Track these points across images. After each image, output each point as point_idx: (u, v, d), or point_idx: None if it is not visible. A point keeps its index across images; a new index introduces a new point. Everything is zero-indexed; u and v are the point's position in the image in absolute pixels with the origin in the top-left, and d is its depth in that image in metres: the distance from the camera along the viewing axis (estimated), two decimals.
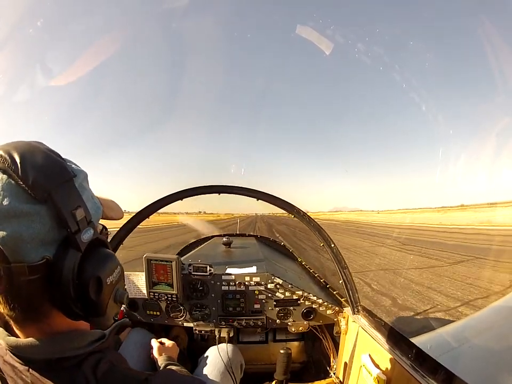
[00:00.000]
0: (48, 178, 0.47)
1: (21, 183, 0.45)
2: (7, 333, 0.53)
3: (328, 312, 1.69)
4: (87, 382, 0.51)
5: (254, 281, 1.68)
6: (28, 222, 0.45)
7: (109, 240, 0.67)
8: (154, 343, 1.40)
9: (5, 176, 0.45)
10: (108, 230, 0.63)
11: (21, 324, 0.52)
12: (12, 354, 0.51)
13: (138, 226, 1.79)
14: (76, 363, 0.52)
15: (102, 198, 0.67)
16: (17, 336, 0.53)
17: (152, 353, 1.37)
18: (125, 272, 1.84)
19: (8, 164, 0.45)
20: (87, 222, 0.52)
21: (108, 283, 0.54)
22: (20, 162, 0.45)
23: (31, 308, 0.49)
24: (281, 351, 1.46)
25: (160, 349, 1.36)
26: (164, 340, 1.46)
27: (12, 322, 0.52)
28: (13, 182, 0.45)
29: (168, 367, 1.20)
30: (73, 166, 0.55)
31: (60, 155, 0.54)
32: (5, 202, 0.44)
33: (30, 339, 0.51)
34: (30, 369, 0.50)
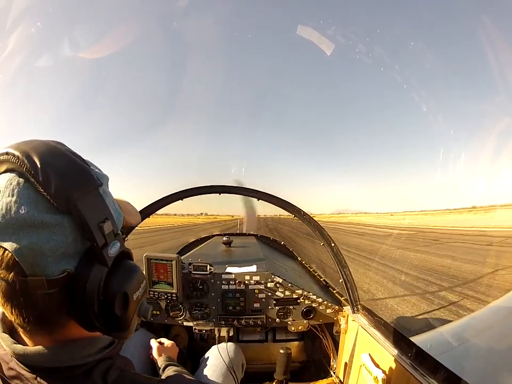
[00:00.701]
0: (73, 186, 0.43)
1: (42, 190, 0.40)
2: (13, 340, 0.50)
3: (328, 311, 1.69)
4: None
5: (254, 280, 1.68)
6: (49, 234, 0.41)
7: None
8: (154, 343, 1.38)
9: (21, 180, 0.41)
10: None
11: (33, 333, 0.49)
12: (17, 362, 0.49)
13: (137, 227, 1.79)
14: (86, 371, 0.50)
15: (119, 200, 0.62)
16: (24, 343, 0.50)
17: (152, 354, 1.36)
18: None
19: (26, 168, 0.40)
20: (114, 234, 0.48)
21: (134, 299, 0.51)
22: (40, 167, 0.40)
23: (46, 321, 0.46)
24: (281, 351, 1.45)
25: (160, 349, 1.35)
26: (163, 339, 1.44)
27: (20, 330, 0.50)
28: (31, 188, 0.41)
29: (168, 368, 1.19)
30: (96, 170, 0.51)
31: (82, 158, 0.49)
32: (22, 210, 0.39)
33: (39, 347, 0.48)
34: (38, 377, 0.48)
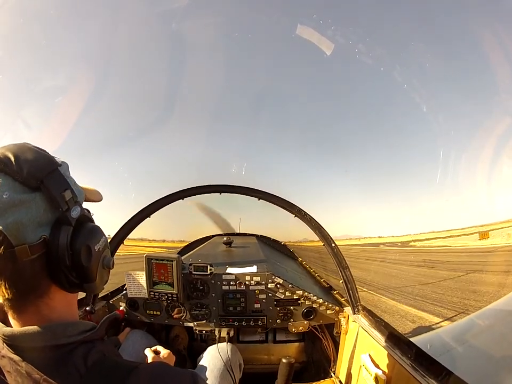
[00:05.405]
0: (39, 169, 0.55)
1: (17, 177, 0.52)
2: (3, 325, 0.57)
3: (329, 312, 1.69)
4: (77, 370, 0.53)
5: (255, 281, 1.68)
6: (26, 209, 0.52)
7: (109, 238, 0.71)
8: (149, 353, 1.29)
9: (2, 174, 0.52)
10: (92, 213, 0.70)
11: (20, 309, 0.55)
12: (8, 347, 0.55)
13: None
14: (68, 351, 0.55)
15: (83, 186, 0.73)
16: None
17: None
18: (125, 272, 1.82)
19: (4, 164, 0.52)
20: (74, 201, 0.59)
21: (96, 250, 0.61)
22: (14, 160, 0.53)
23: (32, 288, 0.55)
24: (284, 360, 1.41)
25: (155, 359, 1.26)
26: (159, 348, 1.35)
27: (10, 312, 0.56)
28: (10, 178, 0.52)
29: None
30: (57, 158, 0.63)
31: (45, 150, 0.61)
32: (5, 196, 0.50)
33: (25, 328, 0.55)
34: (24, 360, 0.53)
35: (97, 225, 0.65)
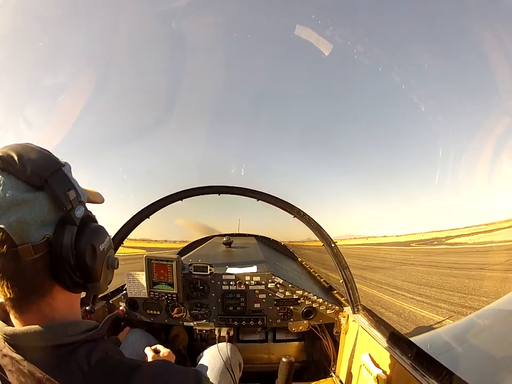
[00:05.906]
0: (43, 168, 0.54)
1: (21, 176, 0.52)
2: (5, 324, 0.57)
3: (328, 311, 1.70)
4: (80, 369, 0.53)
5: (254, 281, 1.68)
6: (30, 208, 0.51)
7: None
8: (149, 352, 1.26)
9: (5, 173, 0.52)
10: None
11: (22, 308, 0.55)
12: (9, 346, 0.55)
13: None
14: (70, 350, 0.55)
15: (84, 188, 0.74)
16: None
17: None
18: (125, 272, 1.82)
19: (7, 163, 0.52)
20: (78, 201, 0.59)
21: (101, 250, 0.61)
22: (17, 159, 0.53)
23: (35, 287, 0.54)
24: (284, 359, 1.40)
25: (155, 358, 1.23)
26: (159, 347, 1.33)
27: (11, 312, 0.56)
28: (13, 176, 0.52)
29: None
30: (60, 159, 0.63)
31: (48, 151, 0.61)
32: (8, 194, 0.50)
33: (27, 327, 0.54)
34: (26, 359, 0.53)
35: (101, 225, 0.65)
